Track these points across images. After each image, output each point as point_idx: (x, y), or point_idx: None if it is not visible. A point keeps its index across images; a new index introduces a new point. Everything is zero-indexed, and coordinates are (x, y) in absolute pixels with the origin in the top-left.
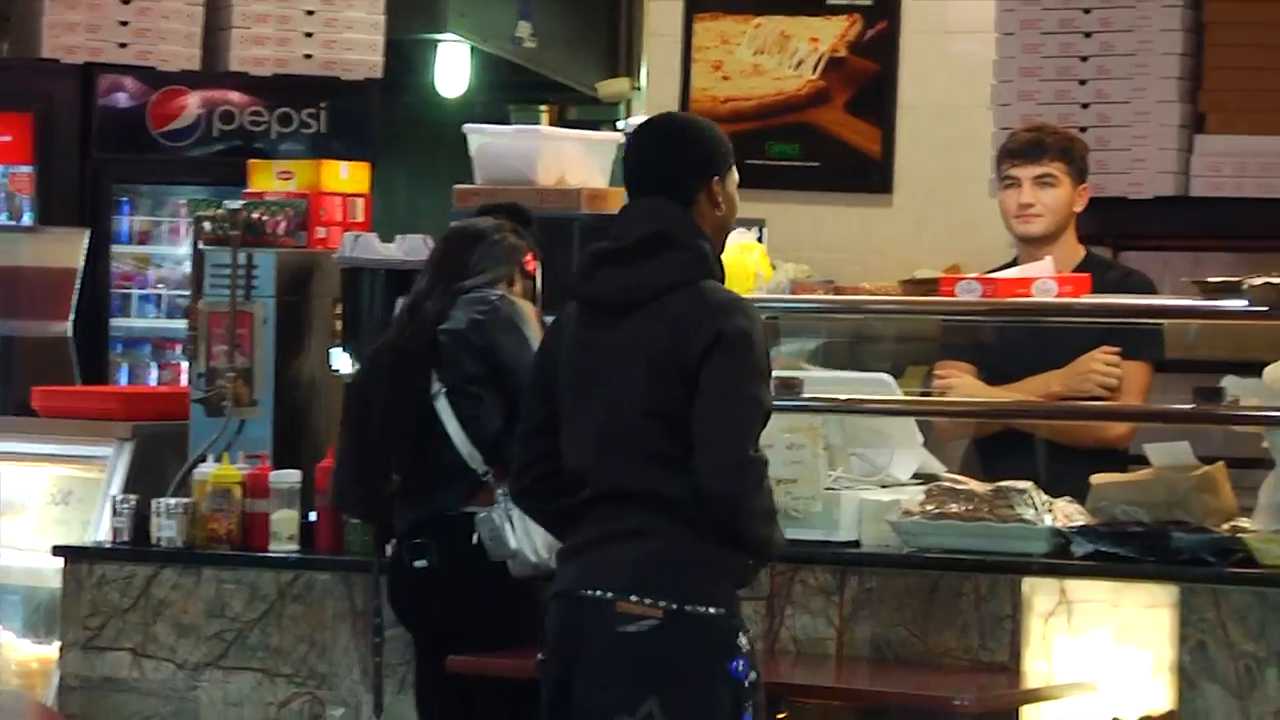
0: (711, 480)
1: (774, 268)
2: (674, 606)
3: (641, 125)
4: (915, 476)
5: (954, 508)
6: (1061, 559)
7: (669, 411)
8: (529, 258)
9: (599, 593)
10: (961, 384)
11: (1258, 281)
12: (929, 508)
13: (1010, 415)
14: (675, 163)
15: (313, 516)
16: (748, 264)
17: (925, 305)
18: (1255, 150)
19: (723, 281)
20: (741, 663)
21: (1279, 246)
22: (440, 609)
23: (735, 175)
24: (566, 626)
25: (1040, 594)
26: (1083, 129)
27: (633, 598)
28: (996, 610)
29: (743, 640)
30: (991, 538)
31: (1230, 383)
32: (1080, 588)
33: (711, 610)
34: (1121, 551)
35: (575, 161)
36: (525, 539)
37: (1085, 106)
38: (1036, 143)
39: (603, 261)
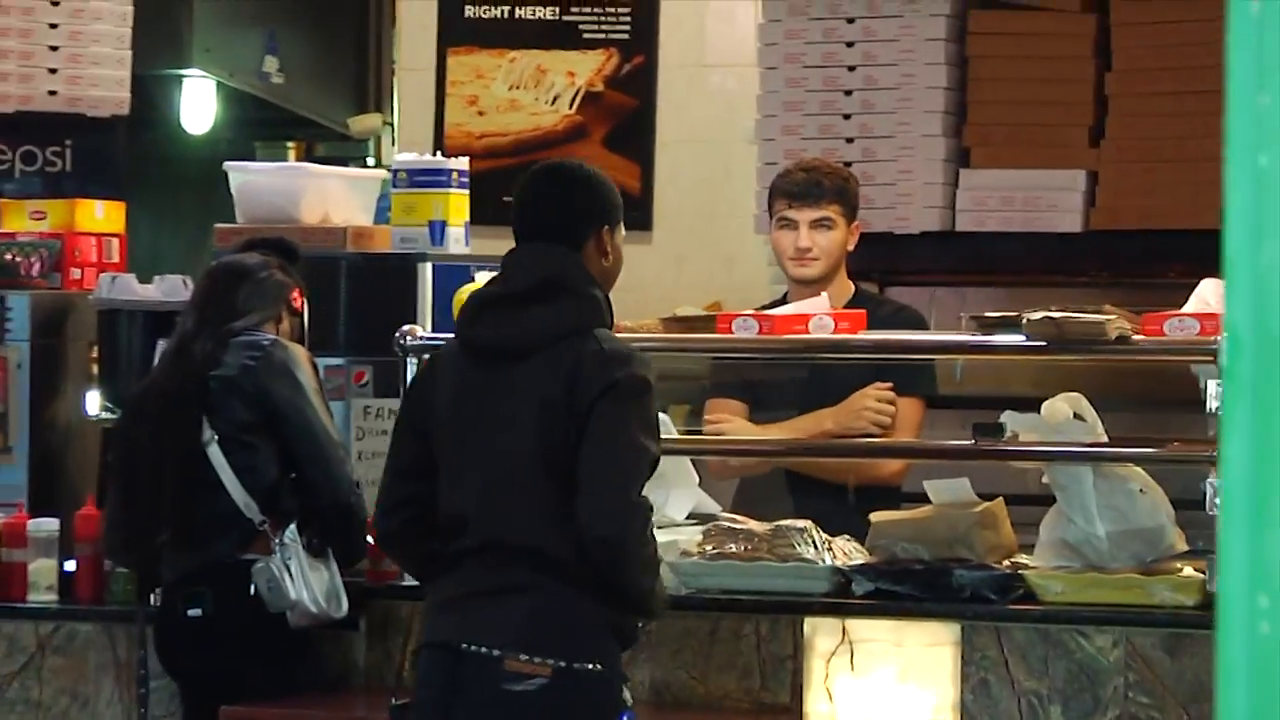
0: (594, 525)
1: None
2: (562, 664)
3: (536, 169)
4: (691, 516)
5: (732, 548)
6: (842, 598)
7: (559, 461)
8: (296, 294)
9: (483, 649)
10: (733, 428)
11: (1036, 316)
12: (707, 548)
13: (787, 454)
14: (566, 207)
15: (71, 565)
16: None
17: (702, 343)
18: (1019, 184)
19: (611, 329)
20: (627, 716)
21: (1043, 280)
22: (215, 658)
23: (623, 231)
24: (443, 679)
25: (822, 634)
26: (848, 163)
27: (521, 656)
28: (778, 651)
29: (627, 694)
30: (771, 577)
31: (1009, 418)
32: (862, 627)
33: (599, 666)
34: (902, 590)
35: (339, 199)
36: (305, 589)
37: (850, 141)
38: (814, 184)
39: (491, 306)
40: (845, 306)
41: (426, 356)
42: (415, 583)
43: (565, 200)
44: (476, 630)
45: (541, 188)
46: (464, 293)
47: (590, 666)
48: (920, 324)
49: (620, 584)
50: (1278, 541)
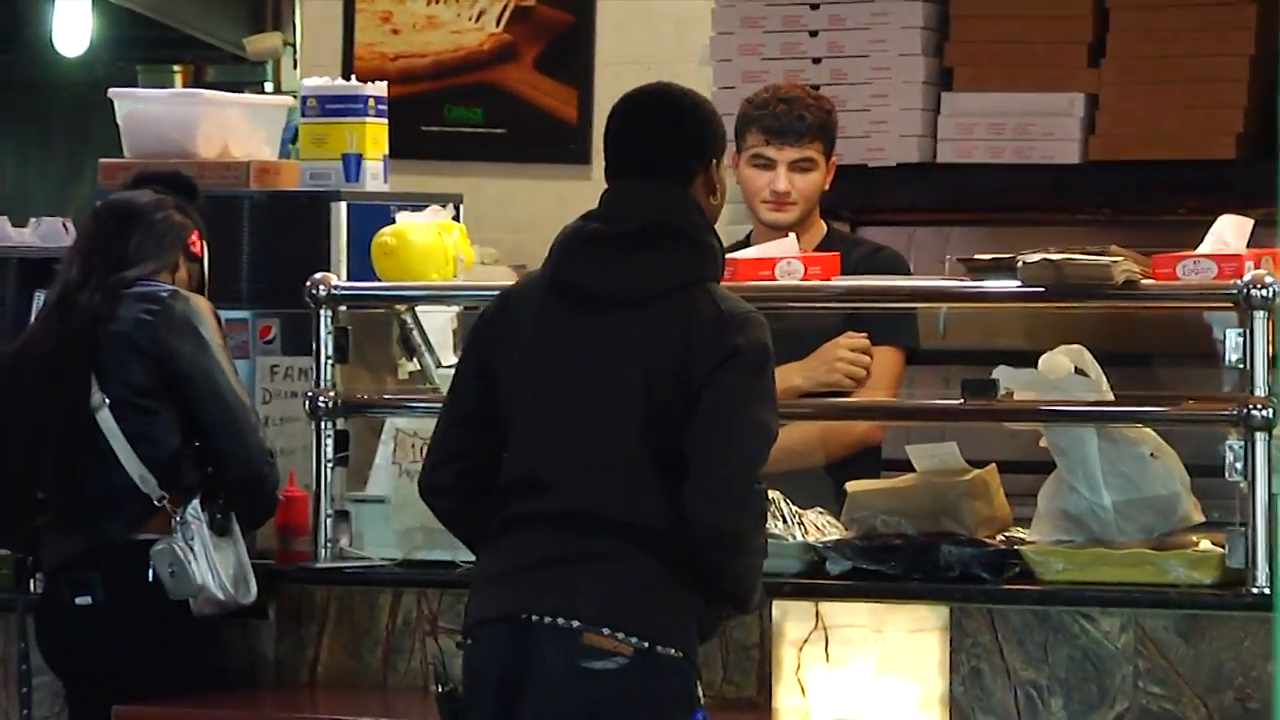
0: (709, 513)
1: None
2: (645, 645)
3: (632, 95)
4: None
5: None
6: (815, 578)
7: (663, 434)
8: (195, 237)
9: (561, 620)
10: None
11: (1032, 258)
12: None
13: None
14: (674, 139)
15: None
16: (446, 247)
17: None
18: (1009, 109)
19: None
20: (702, 715)
21: (1036, 219)
22: (106, 652)
23: (727, 162)
24: (510, 655)
25: (792, 619)
26: (815, 87)
27: (604, 630)
28: (742, 639)
29: (700, 690)
30: None
31: (1003, 374)
32: (837, 611)
33: (681, 654)
34: (883, 569)
35: (240, 130)
36: (210, 572)
37: (816, 61)
38: (796, 119)
39: (591, 245)
40: (816, 249)
41: (501, 292)
42: (334, 564)
43: (673, 131)
44: (551, 600)
45: (645, 116)
46: (384, 235)
47: (673, 652)
48: (901, 267)
49: (721, 576)
50: None
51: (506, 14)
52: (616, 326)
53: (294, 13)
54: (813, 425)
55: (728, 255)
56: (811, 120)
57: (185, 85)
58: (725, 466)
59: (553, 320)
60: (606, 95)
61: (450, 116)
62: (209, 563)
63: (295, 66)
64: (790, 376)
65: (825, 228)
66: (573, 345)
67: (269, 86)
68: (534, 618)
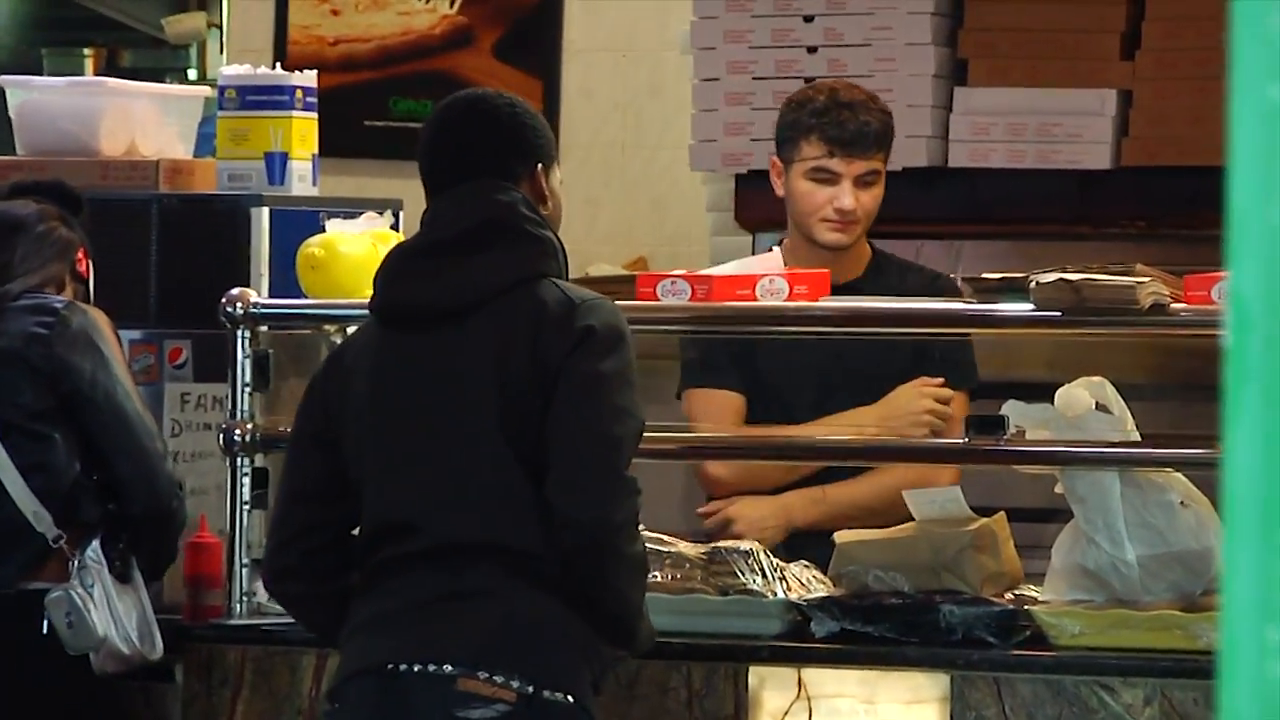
0: (569, 505)
1: None
2: (529, 689)
3: (447, 103)
4: None
5: (656, 576)
6: (798, 641)
7: (526, 438)
8: (81, 255)
9: (432, 667)
10: (730, 433)
11: (1047, 278)
12: None
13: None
14: (491, 144)
15: None
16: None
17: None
18: (1031, 107)
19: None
20: None
21: (1060, 231)
22: None
23: (559, 173)
24: (380, 712)
25: (771, 687)
26: (809, 80)
27: (480, 674)
28: (715, 709)
29: None
30: (708, 615)
31: (1012, 410)
32: (823, 678)
33: (570, 699)
34: (875, 630)
35: (149, 124)
36: (114, 623)
37: (812, 51)
38: (863, 128)
39: (414, 259)
40: (865, 272)
41: (338, 341)
42: (251, 620)
43: (489, 135)
44: (422, 646)
45: (457, 123)
46: (312, 246)
47: (562, 697)
48: (956, 294)
49: (599, 591)
50: None
51: None
52: (458, 336)
53: None
54: (895, 478)
55: (705, 272)
56: (877, 127)
57: (97, 71)
58: (586, 451)
59: (390, 354)
60: (575, 87)
61: (396, 110)
62: (111, 612)
63: (222, 51)
64: (862, 423)
65: (870, 249)
66: (415, 372)
67: (193, 74)
68: (403, 667)
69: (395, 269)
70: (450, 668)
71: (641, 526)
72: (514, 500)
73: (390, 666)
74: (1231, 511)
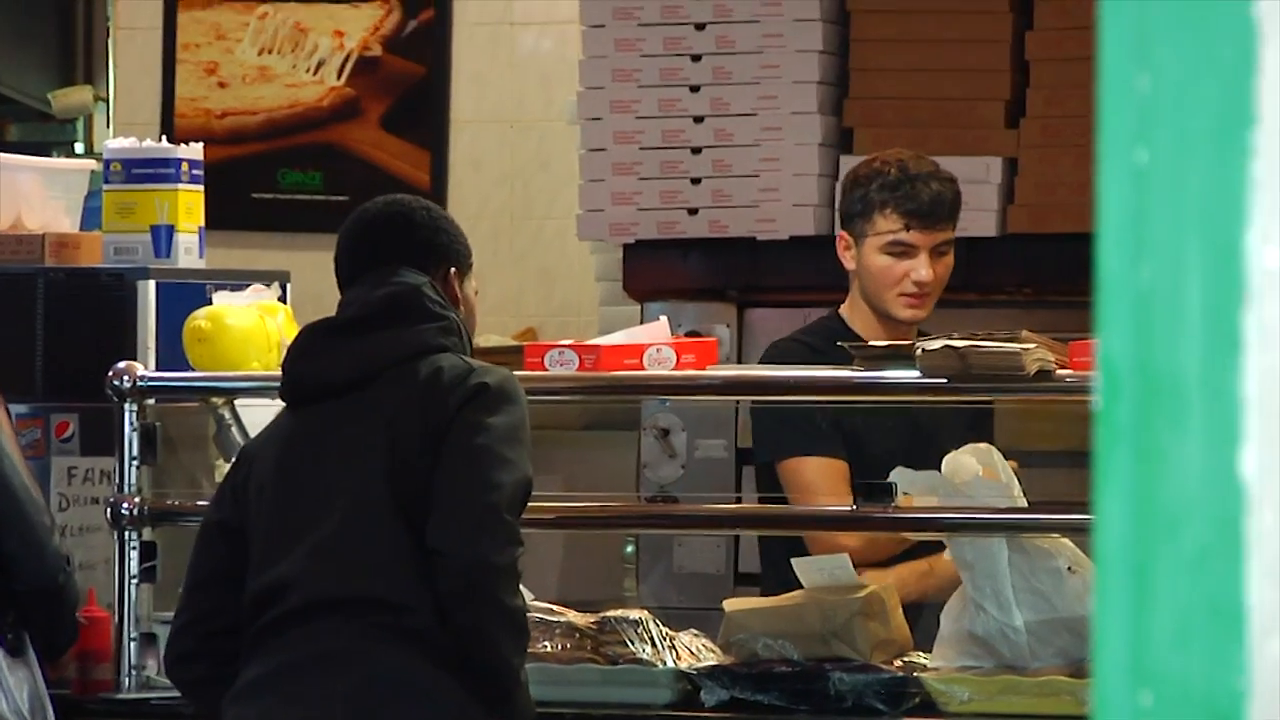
0: (451, 543)
1: None
2: None
3: (364, 207)
4: None
5: (546, 646)
6: (689, 710)
7: (414, 495)
8: None
9: None
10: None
11: (933, 345)
12: None
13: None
14: (405, 242)
15: None
16: (269, 332)
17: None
18: None
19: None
20: None
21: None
22: None
23: (474, 283)
24: None
25: None
26: (696, 150)
27: None
28: None
29: None
30: (598, 685)
31: (900, 477)
32: None
33: None
34: (766, 699)
35: (34, 197)
36: (4, 697)
37: (699, 121)
38: (940, 200)
39: (321, 337)
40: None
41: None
42: (140, 694)
43: (403, 235)
44: (288, 708)
45: (372, 223)
46: (199, 319)
47: None
48: None
49: (476, 643)
50: (1163, 625)
51: (349, 65)
52: (357, 406)
53: (108, 63)
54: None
55: (592, 342)
56: (950, 196)
57: None
58: (466, 493)
59: (294, 431)
60: (463, 158)
61: (284, 182)
62: (2, 688)
63: (109, 125)
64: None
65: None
66: (315, 444)
67: (79, 147)
68: None
69: (300, 348)
70: None
71: (531, 597)
72: (395, 554)
73: None
74: (1102, 574)
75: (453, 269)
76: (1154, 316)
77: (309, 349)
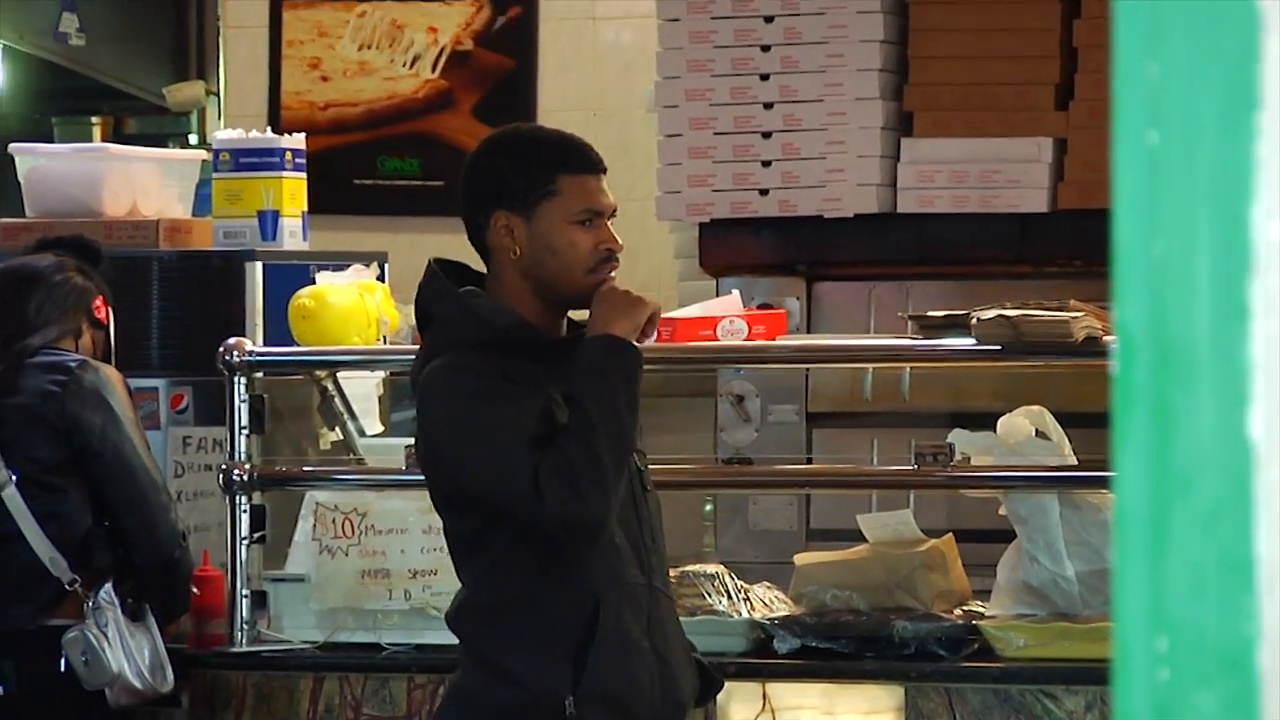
0: None
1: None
2: None
3: None
4: None
5: None
6: (763, 657)
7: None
8: (99, 302)
9: None
10: None
11: (987, 315)
12: None
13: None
14: (462, 196)
15: None
16: (368, 309)
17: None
18: (973, 156)
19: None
20: None
21: (1003, 271)
22: None
23: (562, 209)
24: None
25: (738, 701)
26: (766, 134)
27: None
28: None
29: None
30: None
31: (958, 438)
32: (786, 692)
33: None
34: (834, 646)
35: (150, 186)
36: (127, 659)
37: (769, 107)
38: None
39: None
40: None
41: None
42: (251, 648)
43: (461, 189)
44: None
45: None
46: (303, 297)
47: None
48: None
49: None
50: (1178, 576)
51: (443, 59)
52: None
53: (219, 59)
54: None
55: (672, 314)
56: None
57: (104, 138)
58: None
59: None
60: None
61: (384, 168)
62: (124, 649)
63: (220, 117)
64: None
65: None
66: None
67: (194, 139)
68: None
69: None
70: None
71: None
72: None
73: None
74: (1121, 528)
75: (498, 210)
76: (1167, 287)
77: None
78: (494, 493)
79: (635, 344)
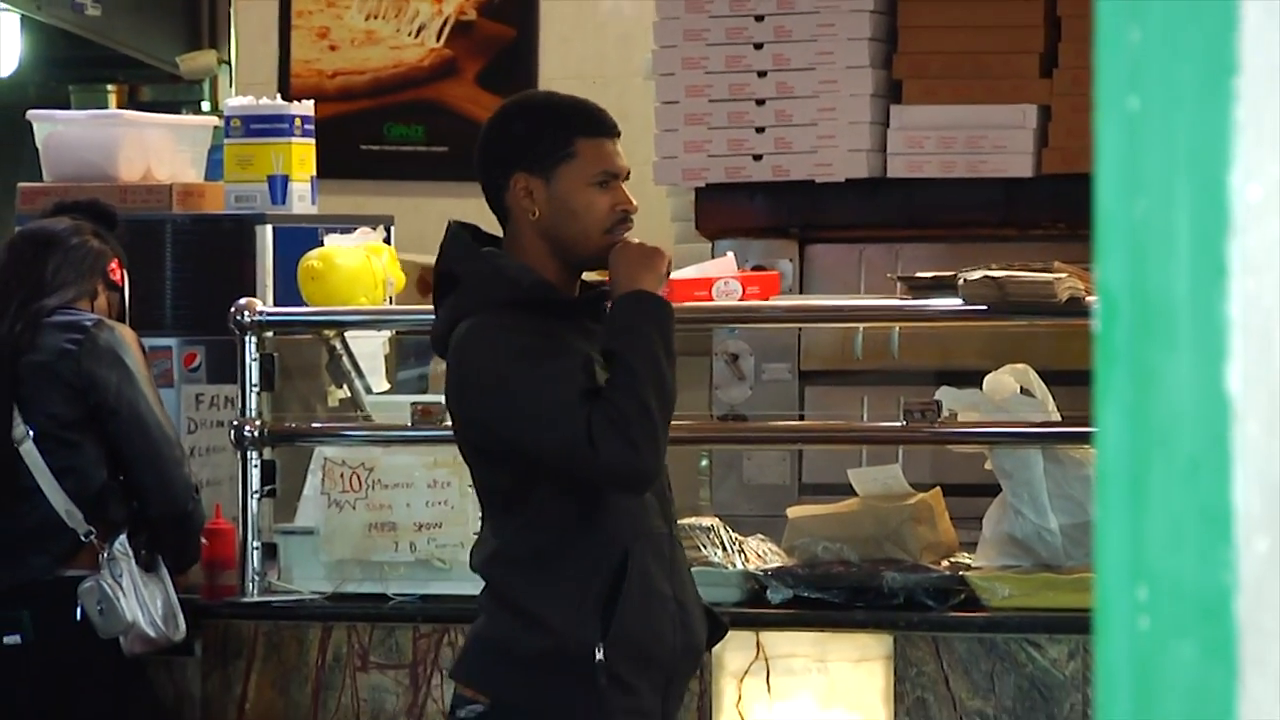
0: None
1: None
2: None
3: None
4: None
5: None
6: (756, 607)
7: (474, 472)
8: (114, 265)
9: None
10: None
11: (974, 276)
12: None
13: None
14: (479, 161)
15: None
16: (375, 270)
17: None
18: (960, 122)
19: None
20: None
21: (990, 234)
22: (36, 694)
23: (580, 172)
24: None
25: (733, 650)
26: (760, 101)
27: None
28: None
29: None
30: None
31: (945, 395)
32: (779, 641)
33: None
34: (825, 597)
35: (163, 151)
36: (140, 609)
37: (762, 75)
38: None
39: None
40: None
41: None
42: (262, 598)
43: (477, 153)
44: None
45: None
46: (311, 259)
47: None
48: None
49: None
50: (1158, 528)
51: (447, 29)
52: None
53: (230, 29)
54: None
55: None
56: None
57: (120, 105)
58: None
59: None
60: None
61: (390, 134)
62: (138, 599)
63: (231, 84)
64: None
65: None
66: None
67: (206, 106)
68: None
69: None
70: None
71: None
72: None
73: None
74: (1102, 481)
75: (518, 172)
76: (1147, 248)
77: None
78: (547, 447)
79: (664, 298)
